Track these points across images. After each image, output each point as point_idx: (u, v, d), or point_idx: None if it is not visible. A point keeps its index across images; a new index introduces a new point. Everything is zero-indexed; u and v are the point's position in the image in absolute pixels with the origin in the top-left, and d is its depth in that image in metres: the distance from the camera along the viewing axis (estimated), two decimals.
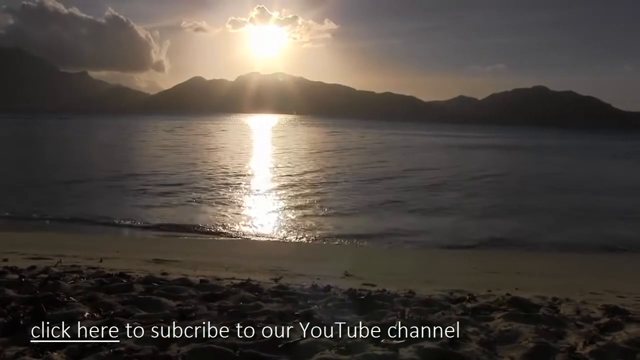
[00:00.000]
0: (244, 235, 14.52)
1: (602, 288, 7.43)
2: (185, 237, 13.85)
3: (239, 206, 18.89)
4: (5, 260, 7.36)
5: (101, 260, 7.94)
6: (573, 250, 13.67)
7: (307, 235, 14.40)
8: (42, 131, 78.92)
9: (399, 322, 4.43)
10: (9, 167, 30.57)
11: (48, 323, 4.10)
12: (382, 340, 4.03)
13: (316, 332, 4.19)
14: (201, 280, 6.13)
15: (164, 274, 6.82)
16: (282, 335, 3.99)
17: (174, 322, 4.35)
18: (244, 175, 27.80)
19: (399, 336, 4.13)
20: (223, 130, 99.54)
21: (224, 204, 18.80)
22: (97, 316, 4.41)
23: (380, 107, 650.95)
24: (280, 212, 17.98)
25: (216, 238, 13.93)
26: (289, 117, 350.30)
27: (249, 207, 18.82)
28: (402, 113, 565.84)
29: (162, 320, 4.37)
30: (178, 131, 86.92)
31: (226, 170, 29.52)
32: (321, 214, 17.52)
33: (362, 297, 5.38)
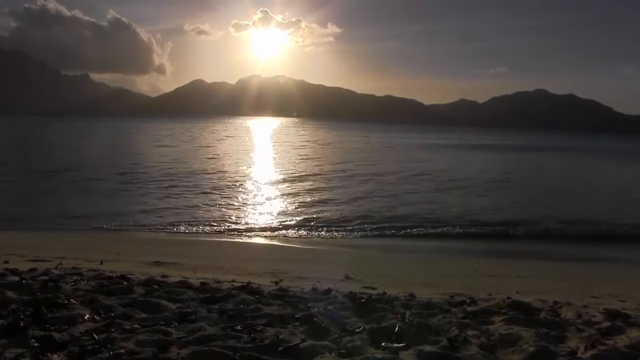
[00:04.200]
0: (245, 237, 14.52)
1: (603, 292, 7.41)
2: (186, 240, 13.85)
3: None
4: (6, 262, 7.35)
5: (102, 263, 7.93)
6: (573, 253, 13.63)
7: (307, 238, 14.41)
8: (58, 133, 77.79)
9: (400, 325, 4.43)
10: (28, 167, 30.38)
11: (48, 325, 4.11)
12: (383, 344, 4.03)
13: (316, 335, 4.19)
14: (201, 283, 6.13)
15: (164, 276, 6.81)
16: (282, 338, 4.00)
17: (174, 325, 4.36)
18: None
19: (399, 339, 4.14)
20: (230, 135, 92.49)
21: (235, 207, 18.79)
22: (98, 318, 4.42)
23: (381, 110, 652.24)
24: (280, 214, 18.01)
25: (217, 240, 13.93)
26: (290, 119, 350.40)
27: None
28: (403, 116, 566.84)
29: (162, 322, 4.38)
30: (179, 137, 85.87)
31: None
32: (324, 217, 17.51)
33: (363, 300, 5.38)
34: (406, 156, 51.31)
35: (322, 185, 25.76)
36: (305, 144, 67.68)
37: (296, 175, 29.96)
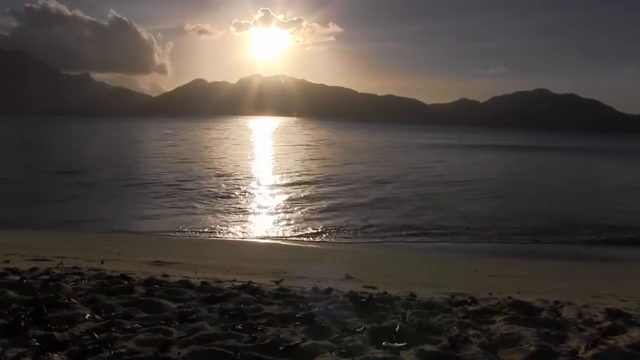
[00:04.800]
0: (245, 237, 14.53)
1: (604, 291, 7.41)
2: (187, 239, 13.86)
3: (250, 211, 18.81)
4: (7, 261, 7.37)
5: (102, 262, 7.95)
6: (574, 253, 13.62)
7: (308, 238, 14.40)
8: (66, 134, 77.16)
9: (400, 325, 4.43)
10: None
11: (49, 324, 4.11)
12: (383, 343, 4.03)
13: (317, 334, 4.19)
14: (202, 283, 6.13)
15: (165, 276, 6.82)
16: (283, 338, 3.99)
17: (174, 324, 4.36)
18: None
19: (400, 339, 4.13)
20: (235, 136, 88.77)
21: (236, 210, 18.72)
22: (98, 318, 4.41)
23: (382, 110, 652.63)
24: (282, 215, 18.00)
25: (217, 240, 13.93)
26: (291, 119, 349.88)
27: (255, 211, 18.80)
28: (404, 116, 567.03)
29: (163, 322, 4.38)
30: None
31: None
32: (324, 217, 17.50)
33: (363, 299, 5.38)
34: (413, 156, 51.02)
35: (332, 187, 25.30)
36: (312, 144, 67.23)
37: (309, 177, 29.37)
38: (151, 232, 14.65)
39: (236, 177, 28.44)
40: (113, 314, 4.53)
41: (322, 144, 66.70)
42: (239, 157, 43.15)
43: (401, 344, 4.00)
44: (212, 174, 28.99)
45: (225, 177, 27.84)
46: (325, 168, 35.02)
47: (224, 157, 42.42)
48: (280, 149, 57.59)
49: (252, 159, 43.73)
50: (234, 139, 75.78)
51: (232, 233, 14.83)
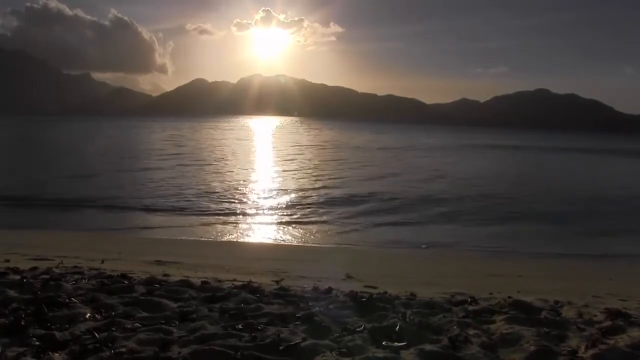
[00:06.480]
0: (245, 237, 14.53)
1: (604, 291, 7.41)
2: (187, 239, 13.85)
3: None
4: (7, 261, 7.38)
5: (103, 262, 7.95)
6: (574, 252, 13.61)
7: (308, 238, 14.40)
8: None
9: (400, 325, 4.43)
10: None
11: (49, 324, 4.12)
12: (384, 343, 4.03)
13: (317, 334, 4.19)
14: (202, 282, 6.13)
15: (165, 275, 6.82)
16: (283, 337, 4.00)
17: (175, 324, 4.37)
18: None
19: (400, 339, 4.14)
20: (243, 136, 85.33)
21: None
22: (99, 317, 4.42)
23: (383, 110, 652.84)
24: (282, 213, 17.99)
25: (218, 240, 13.93)
26: (291, 119, 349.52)
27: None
28: (405, 116, 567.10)
29: (163, 321, 4.39)
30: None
31: None
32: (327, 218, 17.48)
33: (364, 299, 5.38)
34: (425, 157, 50.56)
35: (346, 188, 24.52)
36: (324, 144, 65.97)
37: (318, 176, 28.78)
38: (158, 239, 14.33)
39: (245, 179, 27.99)
40: (113, 313, 4.54)
41: (332, 145, 65.42)
42: (248, 158, 42.85)
43: (401, 344, 4.01)
44: (220, 177, 28.54)
45: (234, 180, 27.32)
46: (337, 170, 34.34)
47: (231, 158, 42.22)
48: (297, 150, 55.76)
49: (264, 160, 43.31)
50: (239, 140, 75.39)
51: (234, 233, 14.82)
